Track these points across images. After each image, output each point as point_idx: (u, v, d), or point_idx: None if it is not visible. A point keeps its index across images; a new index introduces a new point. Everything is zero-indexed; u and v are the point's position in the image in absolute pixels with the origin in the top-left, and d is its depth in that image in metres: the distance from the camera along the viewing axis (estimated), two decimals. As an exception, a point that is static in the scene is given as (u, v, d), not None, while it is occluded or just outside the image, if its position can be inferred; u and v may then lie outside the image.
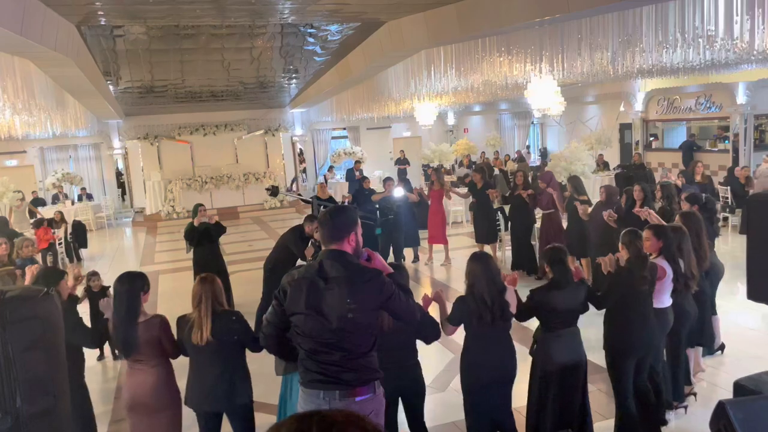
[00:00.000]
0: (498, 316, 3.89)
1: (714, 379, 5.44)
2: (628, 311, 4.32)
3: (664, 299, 4.61)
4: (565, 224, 8.92)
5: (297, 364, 3.14)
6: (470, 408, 4.07)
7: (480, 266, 3.94)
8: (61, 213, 13.24)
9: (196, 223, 8.07)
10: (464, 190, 11.42)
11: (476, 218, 10.08)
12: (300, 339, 3.05)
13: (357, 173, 17.89)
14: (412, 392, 3.98)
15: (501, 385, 4.04)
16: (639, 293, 4.32)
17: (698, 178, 10.60)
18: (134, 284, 3.90)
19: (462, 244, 11.52)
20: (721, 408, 2.79)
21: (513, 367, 4.06)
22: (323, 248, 3.14)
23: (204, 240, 8.11)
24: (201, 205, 8.33)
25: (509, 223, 9.85)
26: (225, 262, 8.52)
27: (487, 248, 9.72)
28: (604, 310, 4.47)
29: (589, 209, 8.02)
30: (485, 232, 9.89)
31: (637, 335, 4.34)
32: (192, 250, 8.22)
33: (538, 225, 9.39)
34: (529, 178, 10.37)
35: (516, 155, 21.07)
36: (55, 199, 17.65)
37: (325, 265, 3.03)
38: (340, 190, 18.96)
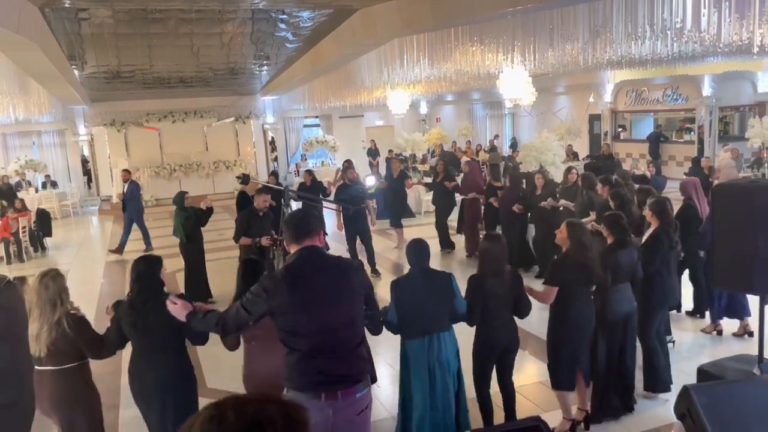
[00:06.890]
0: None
1: (679, 365, 5.57)
2: (664, 270, 4.95)
3: None
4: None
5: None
6: (561, 359, 4.45)
7: (575, 230, 4.39)
8: (22, 201, 12.90)
9: (203, 206, 8.04)
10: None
11: (388, 204, 11.31)
12: (295, 339, 2.95)
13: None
14: (513, 346, 4.39)
15: (584, 337, 4.47)
16: (673, 254, 5.04)
17: None
18: (260, 266, 4.10)
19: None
20: (685, 392, 2.86)
21: (594, 321, 4.49)
22: (292, 246, 3.08)
23: (197, 227, 8.12)
24: (186, 192, 8.35)
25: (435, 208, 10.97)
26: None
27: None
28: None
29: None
30: (397, 217, 11.09)
31: (674, 289, 5.14)
32: (186, 239, 8.07)
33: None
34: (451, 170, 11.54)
35: (489, 145, 21.19)
36: (18, 187, 17.18)
37: (308, 260, 3.03)
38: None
